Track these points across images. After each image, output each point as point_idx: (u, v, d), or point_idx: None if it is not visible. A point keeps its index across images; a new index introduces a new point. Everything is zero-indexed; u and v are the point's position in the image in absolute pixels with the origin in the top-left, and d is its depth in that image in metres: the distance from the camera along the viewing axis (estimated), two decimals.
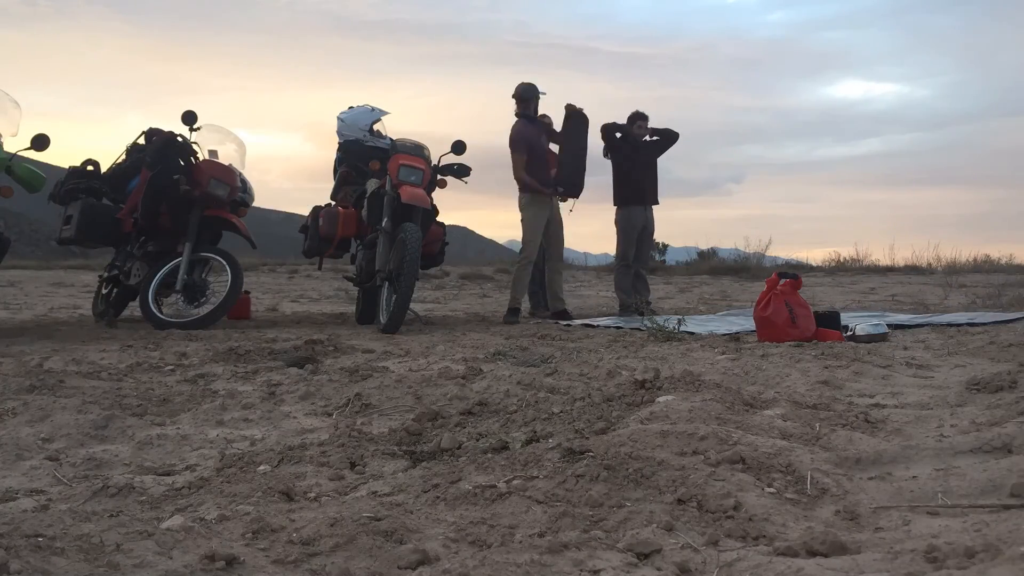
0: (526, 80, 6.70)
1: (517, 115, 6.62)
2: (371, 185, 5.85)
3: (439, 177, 5.98)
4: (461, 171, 6.08)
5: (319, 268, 8.34)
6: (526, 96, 6.61)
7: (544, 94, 6.67)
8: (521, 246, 6.70)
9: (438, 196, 5.99)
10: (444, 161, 6.05)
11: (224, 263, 5.60)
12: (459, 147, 6.04)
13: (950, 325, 5.04)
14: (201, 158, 5.84)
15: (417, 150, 5.80)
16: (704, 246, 16.29)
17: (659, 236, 8.73)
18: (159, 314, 5.46)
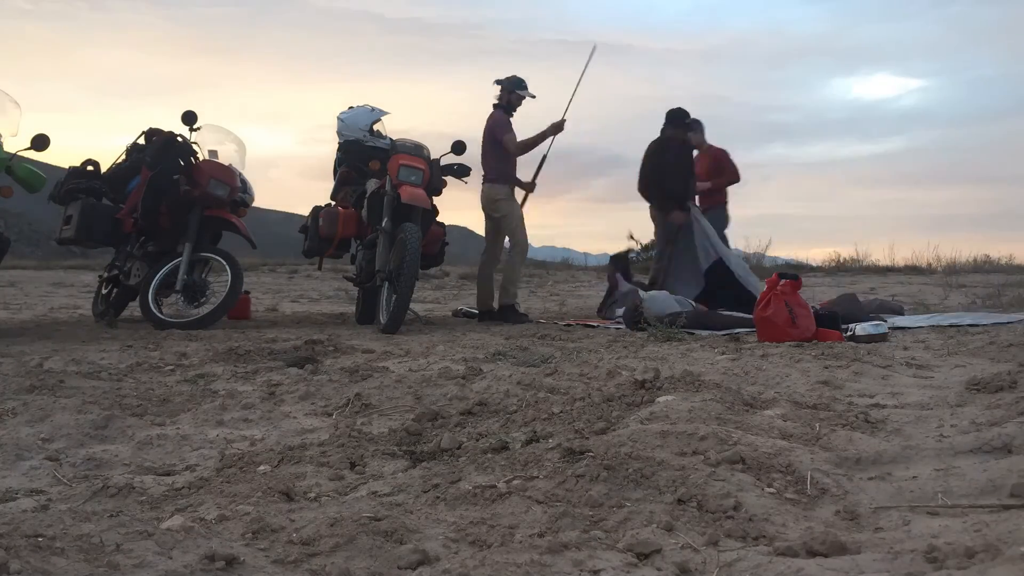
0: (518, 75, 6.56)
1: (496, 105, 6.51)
2: (371, 185, 5.85)
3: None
4: (461, 171, 6.07)
5: (319, 268, 8.33)
6: (509, 88, 6.49)
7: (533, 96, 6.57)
8: (511, 242, 6.51)
9: (439, 196, 5.98)
10: (444, 161, 6.04)
11: (224, 263, 5.61)
12: (459, 147, 6.03)
13: (951, 326, 5.04)
14: (201, 158, 5.84)
15: (417, 150, 5.80)
16: None
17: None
18: (159, 314, 5.45)
